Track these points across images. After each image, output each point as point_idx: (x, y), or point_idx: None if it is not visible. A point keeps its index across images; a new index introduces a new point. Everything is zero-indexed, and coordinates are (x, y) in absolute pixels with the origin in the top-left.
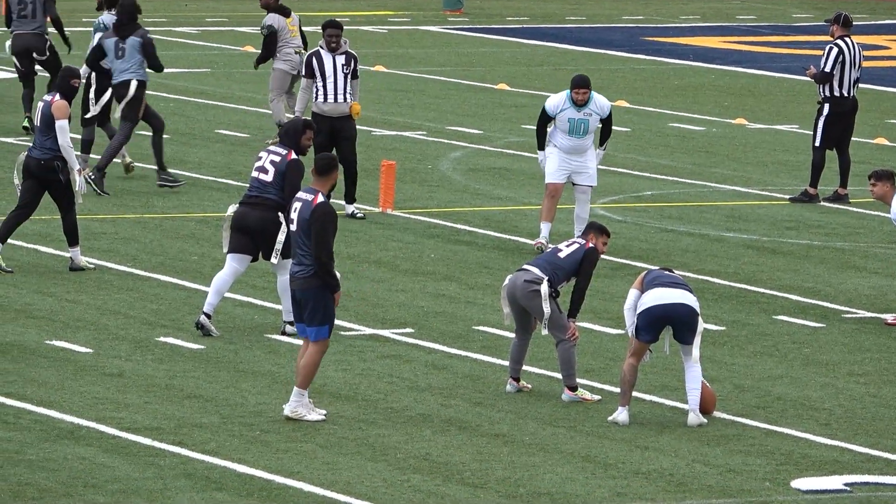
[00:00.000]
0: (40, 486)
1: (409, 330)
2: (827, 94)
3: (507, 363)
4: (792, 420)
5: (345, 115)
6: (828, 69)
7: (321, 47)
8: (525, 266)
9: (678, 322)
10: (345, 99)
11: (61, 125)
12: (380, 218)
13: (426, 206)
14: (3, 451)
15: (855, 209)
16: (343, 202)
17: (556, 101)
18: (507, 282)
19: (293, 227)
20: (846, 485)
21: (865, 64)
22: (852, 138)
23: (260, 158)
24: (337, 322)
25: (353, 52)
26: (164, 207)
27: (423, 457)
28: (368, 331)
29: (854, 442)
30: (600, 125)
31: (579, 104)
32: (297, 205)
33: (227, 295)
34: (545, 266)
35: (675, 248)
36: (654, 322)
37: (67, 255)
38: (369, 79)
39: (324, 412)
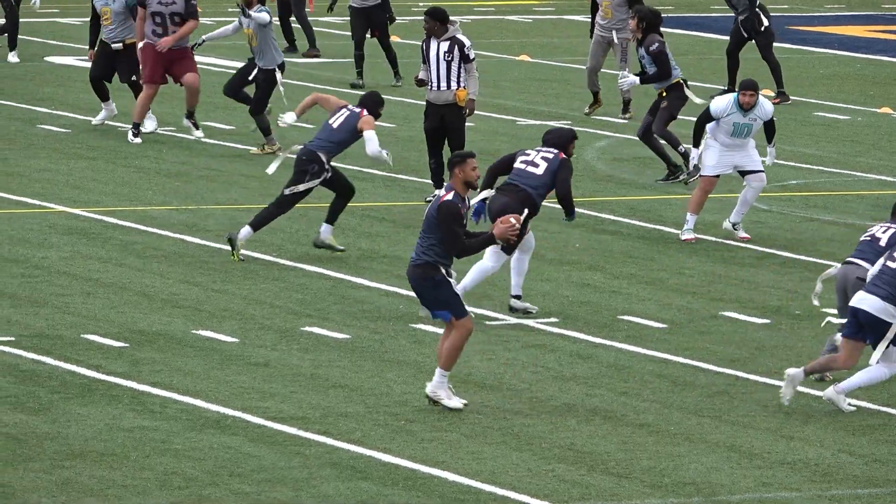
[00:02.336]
0: (186, 476)
1: (553, 319)
2: None
3: (650, 352)
4: None
5: (450, 103)
6: None
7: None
8: (853, 259)
9: (865, 326)
10: (448, 86)
11: (369, 135)
12: None
13: None
14: (149, 440)
15: None
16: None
17: (723, 105)
18: (835, 270)
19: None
20: None
21: None
22: None
23: (528, 154)
24: (481, 311)
25: (461, 38)
26: (309, 197)
27: (567, 446)
28: (513, 320)
29: None
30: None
31: (746, 108)
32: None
33: (372, 285)
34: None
35: (821, 237)
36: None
37: (216, 245)
38: (514, 68)
39: (463, 402)
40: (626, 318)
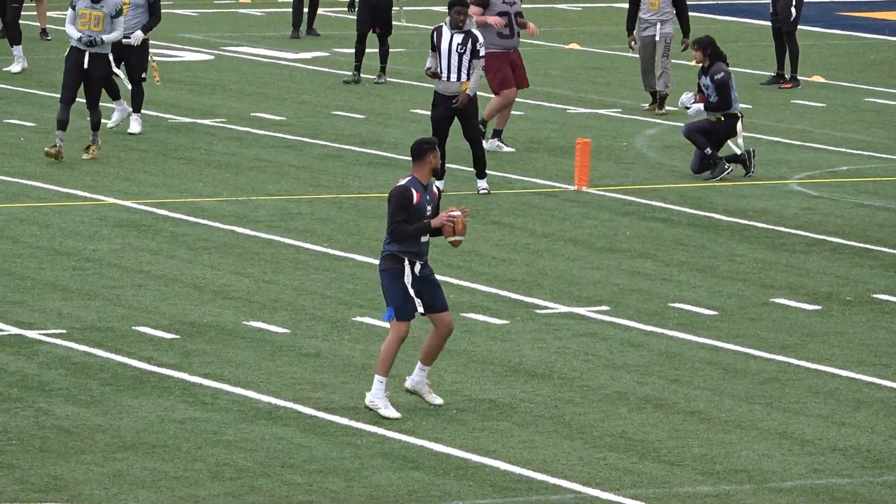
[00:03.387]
0: (238, 467)
1: (604, 307)
2: None
3: (701, 339)
4: None
5: (455, 95)
6: None
7: (445, 23)
8: None
9: None
10: (458, 78)
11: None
12: (575, 196)
13: (621, 184)
14: (201, 431)
15: None
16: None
17: None
18: None
19: None
20: None
21: None
22: None
23: None
24: (532, 300)
25: (476, 32)
26: (360, 187)
27: (619, 434)
28: (564, 308)
29: None
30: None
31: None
32: None
33: None
34: None
35: (872, 223)
36: None
37: (267, 236)
38: (564, 56)
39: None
40: (676, 305)
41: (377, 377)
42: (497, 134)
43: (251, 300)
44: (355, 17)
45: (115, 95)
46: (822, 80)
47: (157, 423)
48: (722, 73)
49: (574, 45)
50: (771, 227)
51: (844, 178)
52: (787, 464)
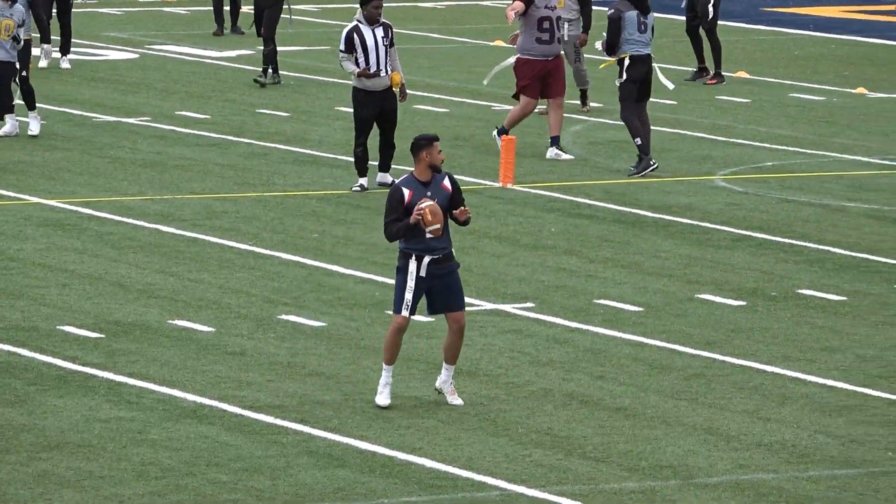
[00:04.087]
0: (163, 466)
1: (529, 304)
2: None
3: (626, 336)
4: None
5: (387, 88)
6: None
7: (360, 21)
8: None
9: None
10: (386, 72)
11: None
12: (500, 193)
13: (546, 180)
14: (126, 430)
15: None
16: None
17: None
18: None
19: None
20: None
21: None
22: None
23: None
24: None
25: (387, 21)
26: (285, 185)
27: (544, 431)
28: (489, 306)
29: None
30: None
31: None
32: None
33: (348, 272)
34: None
35: (796, 218)
36: None
37: (192, 234)
38: (489, 53)
39: (385, 402)
40: (602, 301)
41: (383, 365)
42: (554, 141)
43: (176, 299)
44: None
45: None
46: (747, 75)
47: (82, 422)
48: (612, 10)
49: (499, 42)
50: (696, 222)
51: (769, 174)
52: (712, 459)
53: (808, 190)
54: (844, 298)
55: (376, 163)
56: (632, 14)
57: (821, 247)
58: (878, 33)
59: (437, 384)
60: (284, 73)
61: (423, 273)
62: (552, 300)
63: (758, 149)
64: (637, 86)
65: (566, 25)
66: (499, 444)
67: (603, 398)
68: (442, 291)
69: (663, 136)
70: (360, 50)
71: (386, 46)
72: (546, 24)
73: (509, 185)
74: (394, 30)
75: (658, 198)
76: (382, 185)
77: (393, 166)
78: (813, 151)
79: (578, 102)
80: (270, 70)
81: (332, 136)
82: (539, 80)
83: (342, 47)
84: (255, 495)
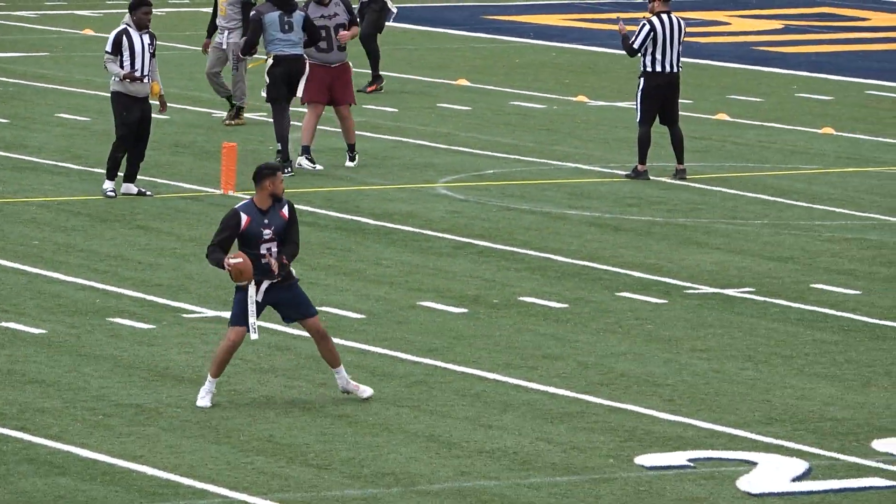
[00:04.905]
0: None
1: None
2: (643, 68)
3: (348, 343)
4: (635, 396)
5: (147, 96)
6: (636, 45)
7: (129, 25)
8: None
9: None
10: (150, 79)
11: None
12: (221, 200)
13: None
14: None
15: (696, 185)
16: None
17: None
18: None
19: None
20: (689, 460)
21: (707, 40)
22: (692, 114)
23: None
24: (180, 305)
25: (152, 31)
26: (3, 192)
27: (266, 438)
28: (211, 313)
29: (697, 417)
30: None
31: None
32: None
33: (69, 279)
34: None
35: (517, 226)
36: None
37: None
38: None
39: (207, 404)
40: (324, 309)
41: (209, 377)
42: (305, 150)
43: None
44: None
45: None
46: (468, 83)
47: None
48: (254, 12)
49: None
50: (418, 230)
51: (490, 182)
52: (434, 466)
53: (529, 198)
54: (566, 306)
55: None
56: (273, 15)
57: (542, 254)
58: (598, 41)
59: (340, 388)
60: (3, 79)
61: (259, 298)
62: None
63: (479, 156)
64: (286, 86)
65: (226, 33)
66: (220, 452)
67: (325, 405)
68: (291, 302)
69: (385, 144)
70: (126, 53)
71: (151, 54)
72: (323, 33)
73: (230, 193)
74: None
75: (379, 205)
76: (127, 194)
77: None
78: (533, 159)
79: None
80: None
81: (52, 142)
82: (326, 87)
83: (109, 48)
84: None
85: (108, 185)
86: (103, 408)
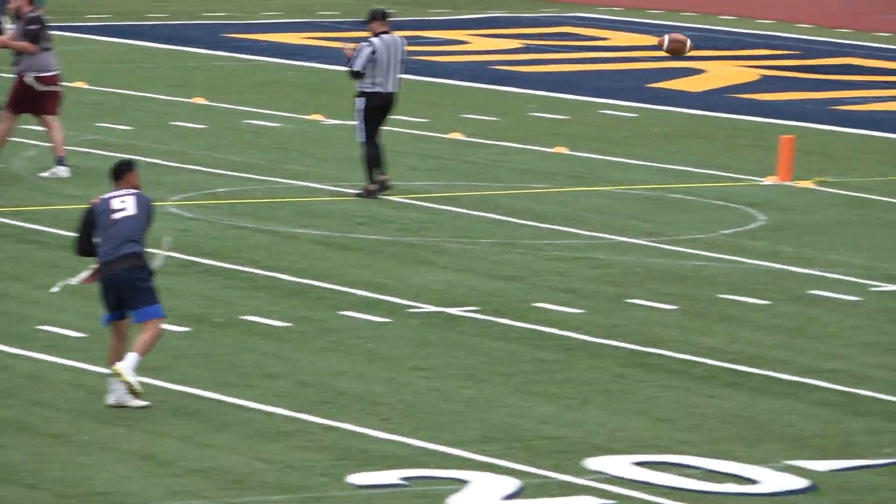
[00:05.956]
0: None
1: None
2: (361, 89)
3: (67, 362)
4: (354, 415)
5: None
6: (356, 68)
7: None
8: None
9: None
10: None
11: None
12: None
13: None
14: None
15: (427, 204)
16: None
17: None
18: None
19: None
20: (402, 479)
21: (445, 59)
22: (426, 133)
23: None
24: None
25: None
26: None
27: None
28: None
29: (414, 436)
30: None
31: None
32: None
33: None
34: None
35: (246, 244)
36: None
37: None
38: None
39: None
40: (45, 328)
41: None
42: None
43: None
44: None
45: None
46: (205, 101)
47: None
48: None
49: None
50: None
51: (221, 200)
52: (146, 485)
53: (259, 216)
54: (289, 324)
55: None
56: None
57: (269, 273)
58: (336, 60)
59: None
60: None
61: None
62: None
63: (211, 175)
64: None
65: None
66: None
67: (39, 425)
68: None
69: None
70: None
71: None
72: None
73: None
74: None
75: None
76: None
77: None
78: (265, 178)
79: None
80: None
81: None
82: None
83: None
84: None
85: None
86: None
